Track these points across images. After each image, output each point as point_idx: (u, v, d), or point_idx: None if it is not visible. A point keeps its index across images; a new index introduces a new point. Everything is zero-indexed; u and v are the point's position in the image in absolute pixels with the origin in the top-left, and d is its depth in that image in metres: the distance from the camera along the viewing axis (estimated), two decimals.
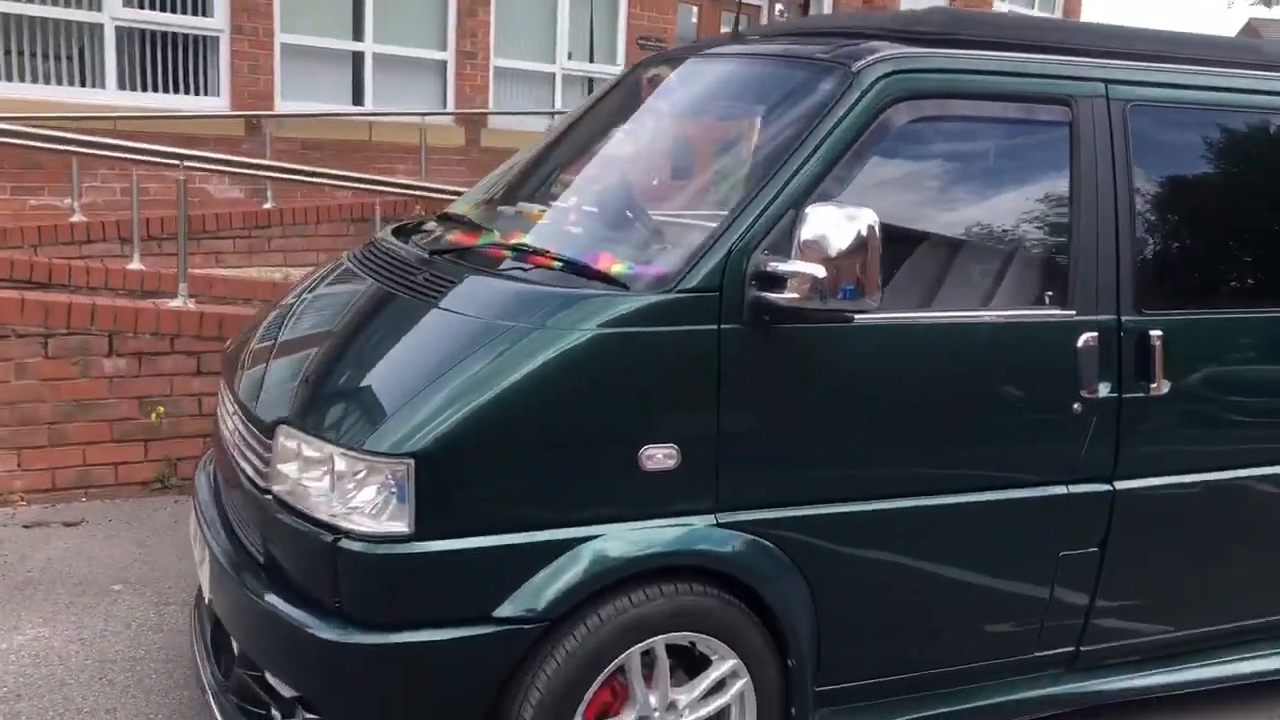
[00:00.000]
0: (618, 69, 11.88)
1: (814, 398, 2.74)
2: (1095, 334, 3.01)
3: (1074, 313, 3.01)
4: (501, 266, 2.87)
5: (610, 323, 2.54)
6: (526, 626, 2.50)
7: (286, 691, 2.64)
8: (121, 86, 8.70)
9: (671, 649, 2.69)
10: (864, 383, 2.80)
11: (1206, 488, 3.24)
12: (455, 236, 3.24)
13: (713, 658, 2.74)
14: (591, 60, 11.78)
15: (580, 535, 2.54)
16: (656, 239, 2.87)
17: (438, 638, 2.47)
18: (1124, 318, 3.06)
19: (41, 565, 4.23)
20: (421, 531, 2.43)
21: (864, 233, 2.51)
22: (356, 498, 2.46)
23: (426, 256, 3.06)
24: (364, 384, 2.64)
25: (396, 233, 3.52)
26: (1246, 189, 3.42)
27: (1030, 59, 3.03)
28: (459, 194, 6.63)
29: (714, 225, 2.68)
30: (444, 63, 10.58)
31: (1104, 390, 3.03)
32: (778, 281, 2.58)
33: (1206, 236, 3.34)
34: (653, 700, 2.68)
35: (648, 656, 2.67)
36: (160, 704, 3.34)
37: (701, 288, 2.60)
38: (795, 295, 2.54)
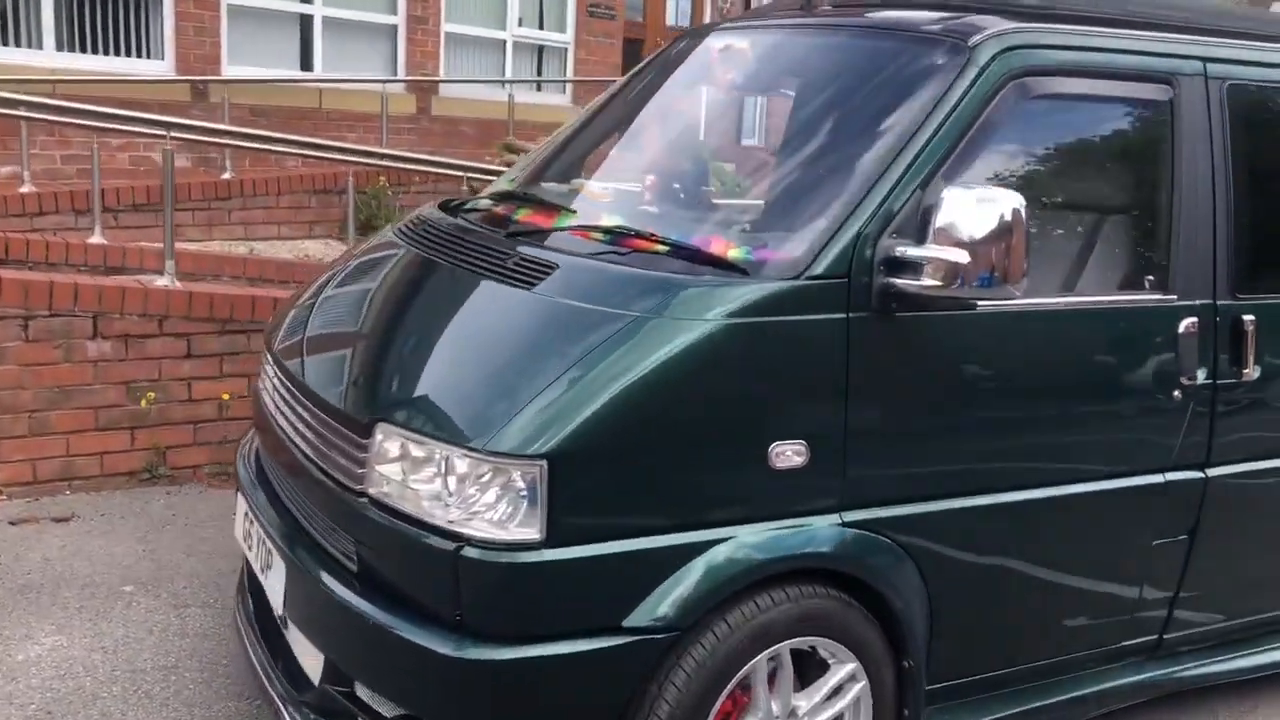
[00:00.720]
0: (567, 37, 11.62)
1: (936, 388, 2.63)
2: (1195, 319, 2.95)
3: (1175, 297, 2.95)
4: (597, 250, 2.69)
5: (737, 312, 2.39)
6: (657, 636, 2.34)
7: (389, 710, 2.45)
8: (60, 48, 8.19)
9: (792, 653, 2.57)
10: (984, 371, 2.69)
11: None
12: (529, 217, 3.04)
13: (830, 661, 2.63)
14: (541, 27, 11.49)
15: (710, 539, 2.39)
16: (765, 222, 2.71)
17: (566, 650, 2.30)
18: (1219, 302, 3.01)
19: (39, 566, 3.93)
20: (553, 538, 2.26)
21: (1008, 217, 2.39)
22: (480, 502, 2.27)
23: (504, 237, 2.87)
24: (475, 378, 2.43)
25: (449, 210, 3.31)
26: None
27: (1134, 35, 2.94)
28: (446, 164, 6.41)
29: (832, 209, 2.53)
30: (394, 27, 10.20)
31: (1201, 376, 2.98)
32: (908, 267, 2.45)
33: None
34: (775, 708, 2.56)
35: (770, 662, 2.54)
36: (207, 717, 3.11)
37: (829, 274, 2.45)
38: (933, 282, 2.42)
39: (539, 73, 11.64)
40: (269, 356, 3.12)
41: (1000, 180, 2.67)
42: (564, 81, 11.60)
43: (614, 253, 2.65)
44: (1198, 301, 2.97)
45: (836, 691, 2.64)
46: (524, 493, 2.25)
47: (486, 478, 2.27)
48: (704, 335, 2.35)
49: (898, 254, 2.46)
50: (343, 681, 2.56)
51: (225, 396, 4.86)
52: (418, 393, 2.48)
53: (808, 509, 2.49)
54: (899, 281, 2.46)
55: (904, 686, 2.71)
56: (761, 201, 2.82)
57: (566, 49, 11.63)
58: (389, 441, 2.41)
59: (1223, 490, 3.09)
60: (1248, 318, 3.03)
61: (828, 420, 2.47)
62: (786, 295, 2.42)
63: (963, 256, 2.38)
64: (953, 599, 2.73)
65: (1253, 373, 3.06)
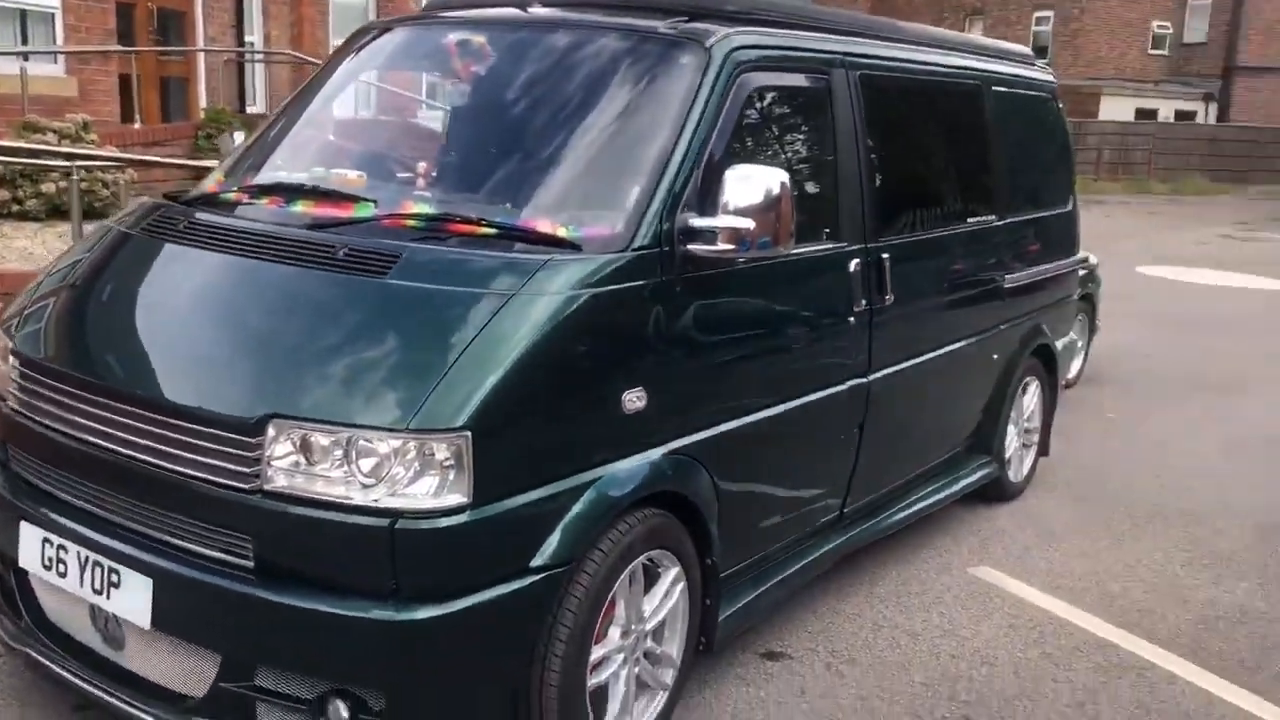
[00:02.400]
0: (53, 1, 10.55)
1: (722, 331, 3.19)
2: (858, 260, 3.78)
3: (845, 244, 3.75)
4: (421, 235, 2.92)
5: (582, 283, 2.77)
6: (559, 570, 2.70)
7: (306, 691, 2.57)
8: None
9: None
10: (749, 313, 3.31)
11: (913, 369, 4.20)
12: (314, 209, 3.14)
13: (659, 570, 3.12)
14: None
15: (587, 480, 2.78)
16: (570, 201, 3.08)
17: (490, 596, 2.58)
18: (868, 245, 3.86)
19: None
20: (477, 500, 2.52)
21: (776, 190, 2.99)
22: (409, 477, 2.47)
23: (308, 229, 2.98)
24: (364, 364, 2.58)
25: (200, 204, 3.31)
26: (927, 136, 4.42)
27: (804, 35, 3.67)
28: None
29: (634, 191, 2.98)
30: None
31: (863, 304, 3.82)
32: (701, 236, 2.98)
33: (907, 176, 4.26)
34: (632, 613, 3.01)
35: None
36: None
37: (648, 246, 2.91)
38: (727, 246, 2.97)
39: (24, 41, 10.48)
40: (35, 370, 2.93)
41: (742, 156, 3.26)
42: (56, 52, 10.55)
43: (444, 237, 2.91)
44: (856, 246, 3.80)
45: (665, 592, 3.14)
46: (450, 462, 2.48)
47: (411, 454, 2.47)
48: (560, 305, 2.71)
49: (694, 225, 2.98)
50: (242, 677, 2.61)
51: None
52: (308, 386, 2.57)
53: (649, 443, 2.96)
54: (697, 248, 2.98)
55: (708, 580, 3.28)
56: (550, 186, 3.17)
57: (54, 14, 10.56)
58: (285, 435, 2.50)
59: (880, 389, 3.98)
60: (885, 256, 3.92)
61: (655, 368, 2.94)
62: (617, 267, 2.84)
63: (748, 224, 2.95)
64: (730, 506, 3.32)
65: (891, 296, 3.96)
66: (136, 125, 11.38)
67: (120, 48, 11.27)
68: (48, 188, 7.93)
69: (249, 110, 13.84)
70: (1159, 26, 37.31)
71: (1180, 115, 35.29)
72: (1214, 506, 5.48)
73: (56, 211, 8.03)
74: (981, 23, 38.86)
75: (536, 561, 2.67)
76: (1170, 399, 7.63)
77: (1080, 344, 7.69)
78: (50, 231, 7.65)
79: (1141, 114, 33.87)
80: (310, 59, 13.77)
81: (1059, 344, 5.67)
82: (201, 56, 13.20)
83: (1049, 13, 36.95)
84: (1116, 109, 33.05)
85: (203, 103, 13.20)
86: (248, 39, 13.97)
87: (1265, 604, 4.41)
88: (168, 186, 9.69)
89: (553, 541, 2.70)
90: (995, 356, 4.99)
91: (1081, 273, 7.37)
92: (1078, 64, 35.97)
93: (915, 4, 39.28)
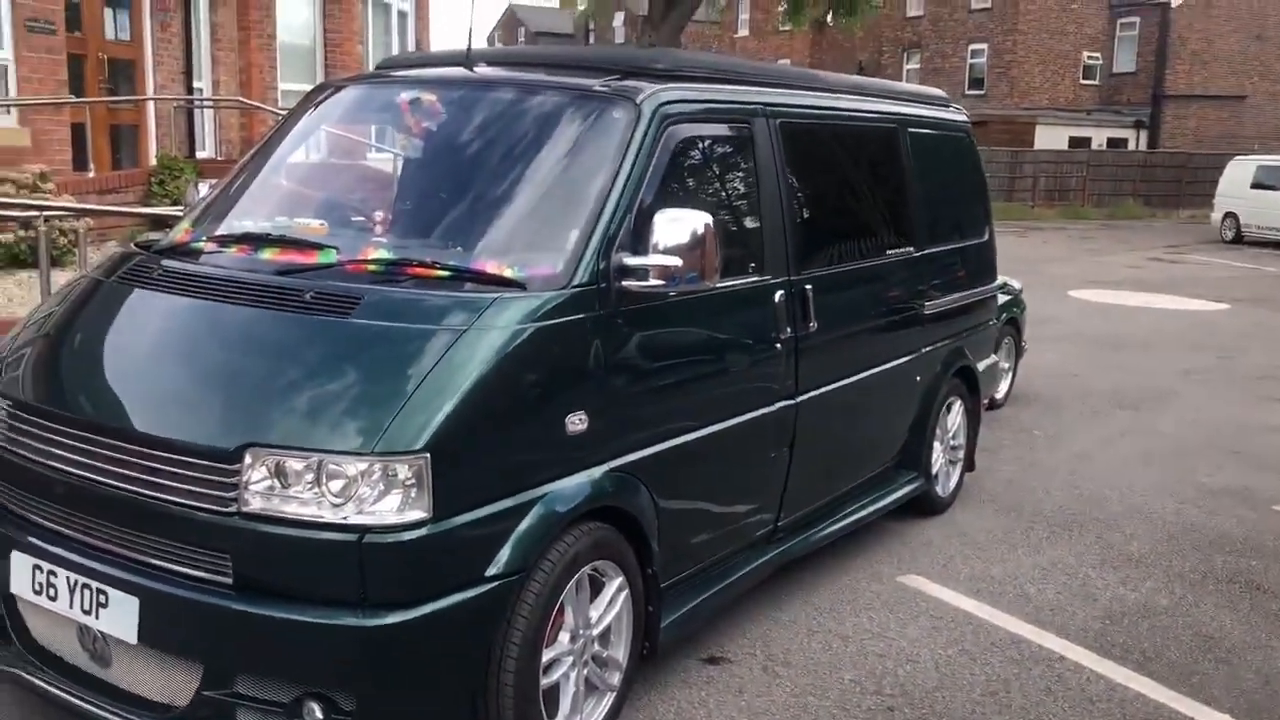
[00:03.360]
0: (6, 54, 10.74)
1: (654, 358, 3.51)
2: (782, 291, 4.12)
3: (769, 277, 4.09)
4: (380, 279, 3.21)
5: (526, 318, 3.08)
6: (511, 579, 2.99)
7: (284, 695, 2.82)
8: None
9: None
10: (680, 341, 3.63)
11: (839, 391, 4.54)
12: (279, 255, 3.42)
13: (604, 580, 3.41)
14: None
15: (535, 495, 3.07)
16: (515, 244, 3.39)
17: (449, 603, 2.85)
18: (792, 277, 4.20)
19: None
20: (436, 515, 2.80)
21: (701, 230, 3.33)
22: (375, 495, 2.75)
23: (276, 274, 3.27)
24: (332, 396, 2.87)
25: (168, 253, 3.59)
26: (847, 176, 4.80)
27: (726, 88, 4.03)
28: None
29: (572, 234, 3.30)
30: None
31: (788, 331, 4.16)
32: (634, 273, 3.30)
33: (828, 213, 4.62)
34: (579, 620, 3.29)
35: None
36: None
37: (586, 283, 3.23)
38: (657, 282, 3.29)
39: None
40: (22, 410, 3.18)
41: (672, 199, 3.59)
42: (10, 104, 10.71)
43: (401, 279, 3.20)
44: (780, 279, 4.14)
45: (610, 600, 3.43)
46: (411, 481, 2.77)
47: (376, 475, 2.75)
48: (508, 338, 3.01)
49: (628, 263, 3.30)
50: (223, 685, 2.87)
51: None
52: (281, 417, 2.85)
53: (591, 462, 3.26)
54: (631, 284, 3.30)
55: (650, 589, 3.57)
56: (497, 230, 3.47)
57: (7, 67, 10.75)
58: (260, 462, 2.78)
59: (808, 410, 4.31)
60: (808, 287, 4.26)
61: (595, 393, 3.25)
62: (561, 301, 3.16)
63: (676, 261, 3.28)
64: (669, 519, 3.62)
65: (815, 324, 4.30)
66: (90, 174, 11.57)
67: (73, 98, 11.46)
68: (6, 237, 8.13)
69: (199, 155, 14.05)
70: (1089, 57, 38.56)
71: (1112, 142, 36.44)
72: (1127, 513, 5.87)
73: (15, 260, 8.23)
74: (919, 55, 39.91)
75: (491, 571, 2.95)
76: (1093, 415, 8.06)
77: (1006, 365, 8.11)
78: (10, 279, 7.84)
79: (1075, 142, 34.96)
80: (259, 105, 14.02)
81: (980, 365, 6.05)
82: (151, 104, 13.40)
83: (983, 45, 38.06)
84: (1051, 138, 34.09)
85: (154, 149, 13.39)
86: (196, 85, 14.19)
87: (1168, 600, 4.78)
88: (123, 232, 9.89)
89: (505, 552, 2.98)
90: (918, 378, 5.35)
91: (1006, 298, 7.83)
92: (1013, 94, 37.06)
93: (855, 41, 40.29)
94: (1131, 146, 36.81)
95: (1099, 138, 36.30)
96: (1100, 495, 6.17)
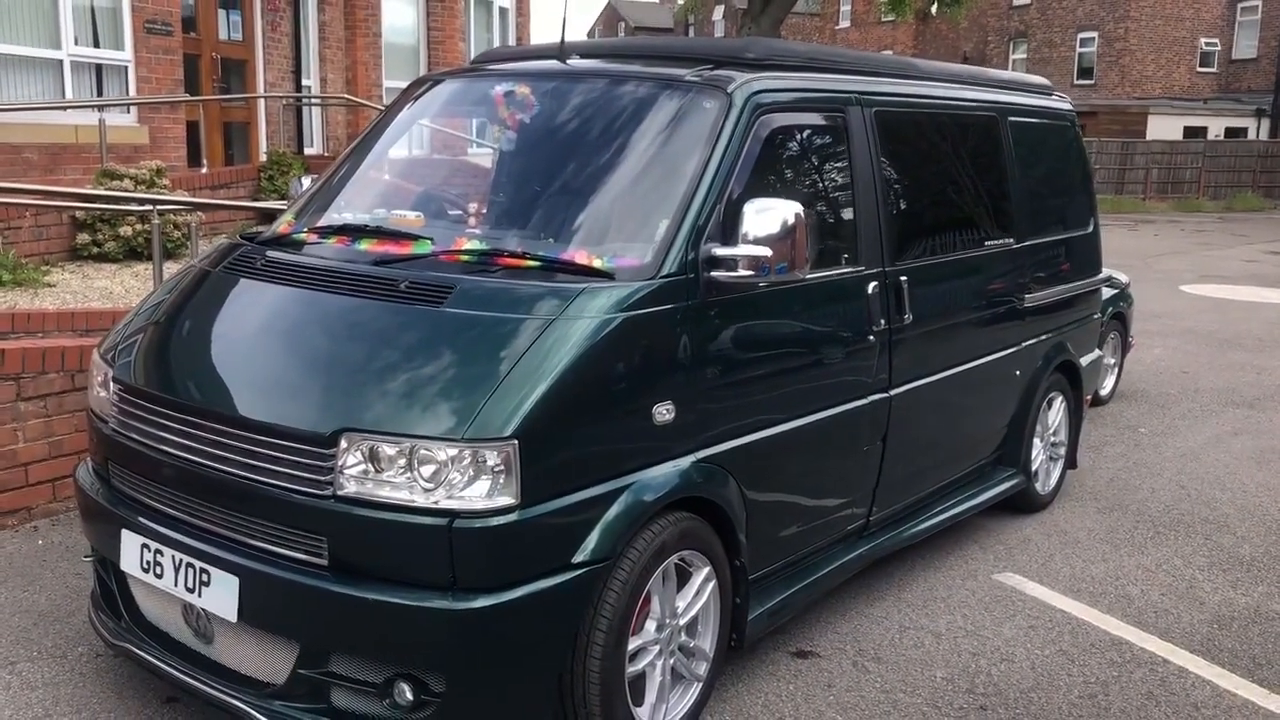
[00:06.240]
0: (126, 55, 11.16)
1: (745, 349, 3.49)
2: (876, 283, 4.07)
3: (863, 268, 4.04)
4: (472, 269, 3.26)
5: (615, 307, 3.09)
6: (598, 566, 3.01)
7: (376, 676, 2.89)
8: None
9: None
10: (772, 332, 3.61)
11: (934, 384, 4.46)
12: (377, 246, 3.50)
13: (691, 569, 3.41)
14: (98, 45, 10.94)
15: (623, 484, 3.08)
16: (605, 235, 3.41)
17: (537, 588, 2.89)
18: (886, 269, 4.14)
19: None
20: (525, 501, 2.84)
21: (791, 220, 3.30)
22: (464, 481, 2.79)
23: (373, 265, 3.34)
24: (424, 383, 2.92)
25: (273, 244, 3.69)
26: (944, 166, 4.72)
27: (819, 77, 3.99)
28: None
29: (664, 224, 3.30)
30: None
31: (882, 323, 4.10)
32: (723, 263, 3.29)
33: (924, 203, 4.55)
34: (666, 609, 3.30)
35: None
36: None
37: (675, 273, 3.23)
38: (746, 273, 3.28)
39: (99, 92, 11.08)
40: (133, 395, 3.31)
41: (763, 190, 3.57)
42: (130, 103, 11.14)
43: (493, 269, 3.25)
44: (874, 270, 4.09)
45: (697, 590, 3.43)
46: (500, 467, 2.81)
47: (466, 461, 2.80)
48: (596, 328, 3.03)
49: (717, 254, 3.29)
50: (318, 664, 2.95)
51: None
52: (375, 403, 2.91)
53: (679, 452, 3.26)
54: (720, 275, 3.29)
55: (737, 580, 3.56)
56: (586, 221, 3.50)
57: (127, 67, 11.17)
58: (355, 447, 2.84)
59: (901, 404, 4.25)
60: (903, 278, 4.20)
61: (682, 384, 3.25)
62: (650, 292, 3.16)
63: (766, 251, 3.26)
64: (756, 512, 3.61)
65: (909, 316, 4.23)
66: (203, 169, 11.96)
67: (189, 97, 11.86)
68: (125, 231, 8.45)
69: (307, 151, 14.40)
70: (1207, 44, 37.20)
71: (1231, 132, 35.07)
72: (1238, 515, 5.66)
73: (133, 253, 8.56)
74: (1025, 45, 38.96)
75: (578, 558, 2.98)
76: (1203, 413, 7.78)
77: (1112, 361, 7.88)
78: (127, 271, 8.15)
79: (1190, 132, 33.73)
80: (364, 102, 14.34)
81: (1083, 360, 5.89)
82: (262, 102, 13.80)
83: (1093, 34, 36.99)
84: (1165, 128, 32.95)
85: (264, 145, 13.79)
86: (305, 83, 14.56)
87: None
88: (233, 226, 10.21)
89: (592, 540, 3.00)
90: (1018, 373, 5.23)
91: (1113, 292, 7.61)
92: (1124, 83, 35.96)
93: (959, 31, 39.48)
94: (1251, 136, 35.39)
95: (1216, 127, 34.96)
96: (1209, 496, 5.96)
